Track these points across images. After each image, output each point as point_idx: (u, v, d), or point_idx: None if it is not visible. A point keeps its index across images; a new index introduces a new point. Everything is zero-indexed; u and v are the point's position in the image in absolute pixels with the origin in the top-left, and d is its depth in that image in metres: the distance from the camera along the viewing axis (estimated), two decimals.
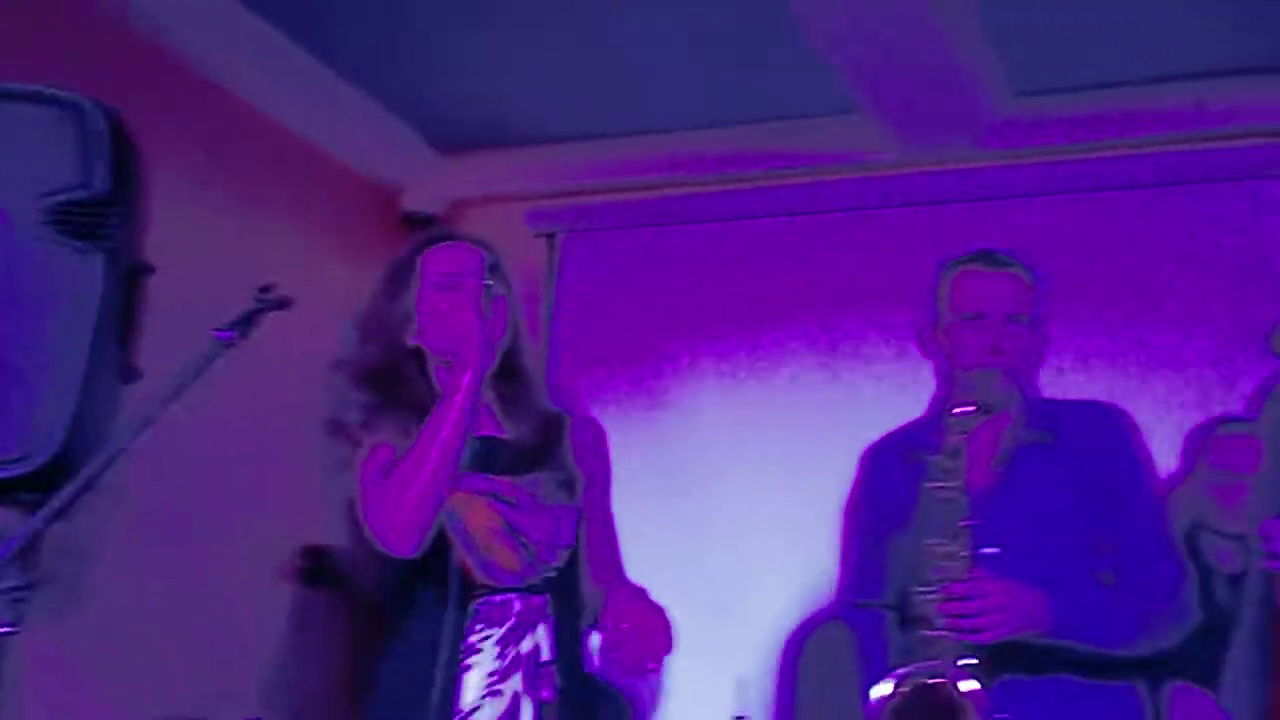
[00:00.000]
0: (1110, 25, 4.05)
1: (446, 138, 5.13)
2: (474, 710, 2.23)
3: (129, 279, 2.23)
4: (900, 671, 2.37)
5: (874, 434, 4.23)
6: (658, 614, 2.21)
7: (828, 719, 3.96)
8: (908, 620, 2.67)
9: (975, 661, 2.37)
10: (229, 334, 2.19)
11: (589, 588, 2.42)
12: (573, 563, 2.39)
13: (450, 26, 4.30)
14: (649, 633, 2.16)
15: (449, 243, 2.47)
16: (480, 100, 4.80)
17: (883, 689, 2.36)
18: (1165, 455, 3.59)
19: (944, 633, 2.39)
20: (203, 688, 3.93)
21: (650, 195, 5.04)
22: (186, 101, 4.26)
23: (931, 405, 2.83)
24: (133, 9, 4.03)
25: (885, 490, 2.78)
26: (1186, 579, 2.61)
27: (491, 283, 2.33)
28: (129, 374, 2.23)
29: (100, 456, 2.00)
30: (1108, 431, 2.69)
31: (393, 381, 2.38)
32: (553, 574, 2.35)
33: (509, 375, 2.45)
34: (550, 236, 4.99)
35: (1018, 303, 2.67)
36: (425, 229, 5.10)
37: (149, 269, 2.27)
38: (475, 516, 2.30)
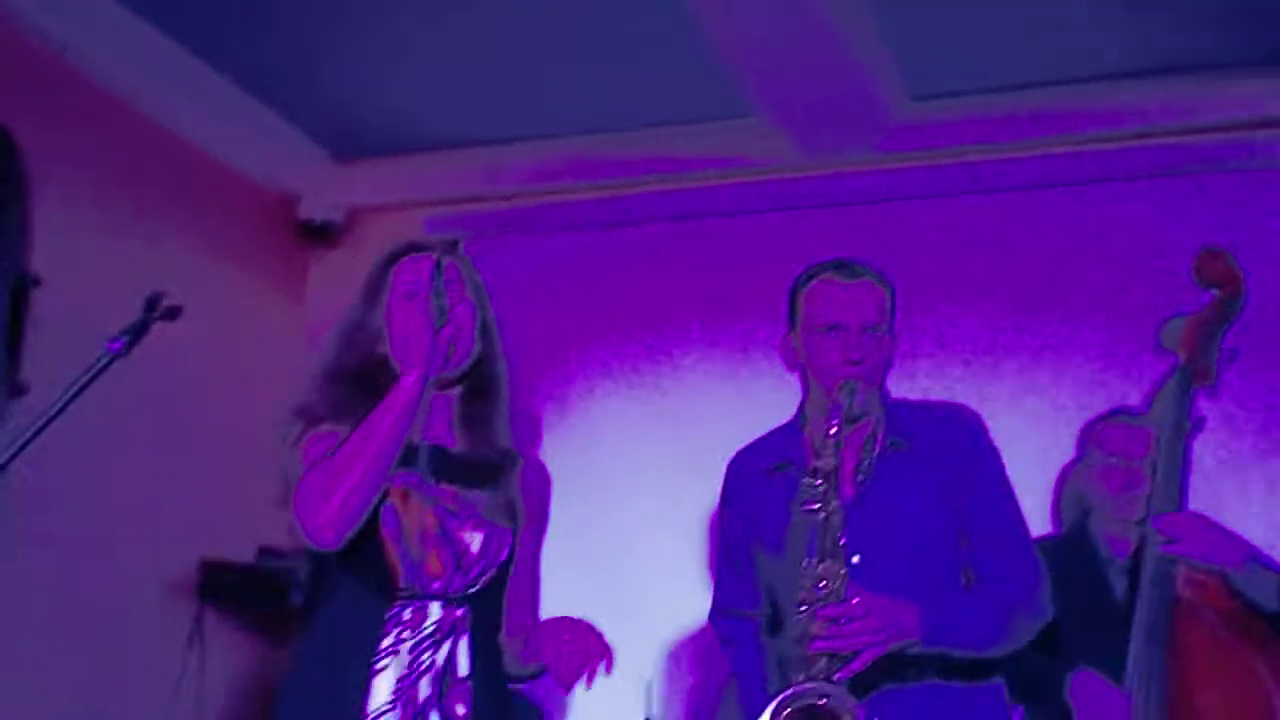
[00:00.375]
0: (1006, 29, 4.10)
1: (343, 145, 5.08)
2: (382, 714, 2.21)
3: (15, 293, 2.19)
4: (783, 694, 2.39)
5: None
6: (592, 629, 2.25)
7: None
8: (778, 628, 2.73)
9: (851, 677, 2.41)
10: (118, 344, 2.15)
11: (506, 626, 2.43)
12: (499, 582, 2.40)
13: (346, 33, 4.25)
14: (588, 645, 2.19)
15: (418, 254, 2.47)
16: (377, 107, 4.76)
17: (767, 713, 2.38)
18: (1065, 448, 3.68)
19: (821, 652, 2.41)
20: (96, 706, 3.85)
21: (550, 200, 5.03)
22: (78, 113, 4.20)
23: (795, 413, 2.86)
24: (24, 20, 3.95)
25: (749, 502, 2.82)
26: (1041, 576, 2.68)
27: (437, 289, 2.34)
28: (15, 388, 2.19)
29: None
30: (960, 434, 2.75)
31: (363, 385, 2.38)
32: (476, 589, 2.35)
33: (475, 387, 2.48)
34: (451, 243, 4.95)
35: (874, 313, 2.70)
36: (322, 237, 5.11)
37: (36, 282, 2.23)
38: (413, 518, 2.30)
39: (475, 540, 2.35)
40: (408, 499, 2.32)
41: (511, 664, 2.41)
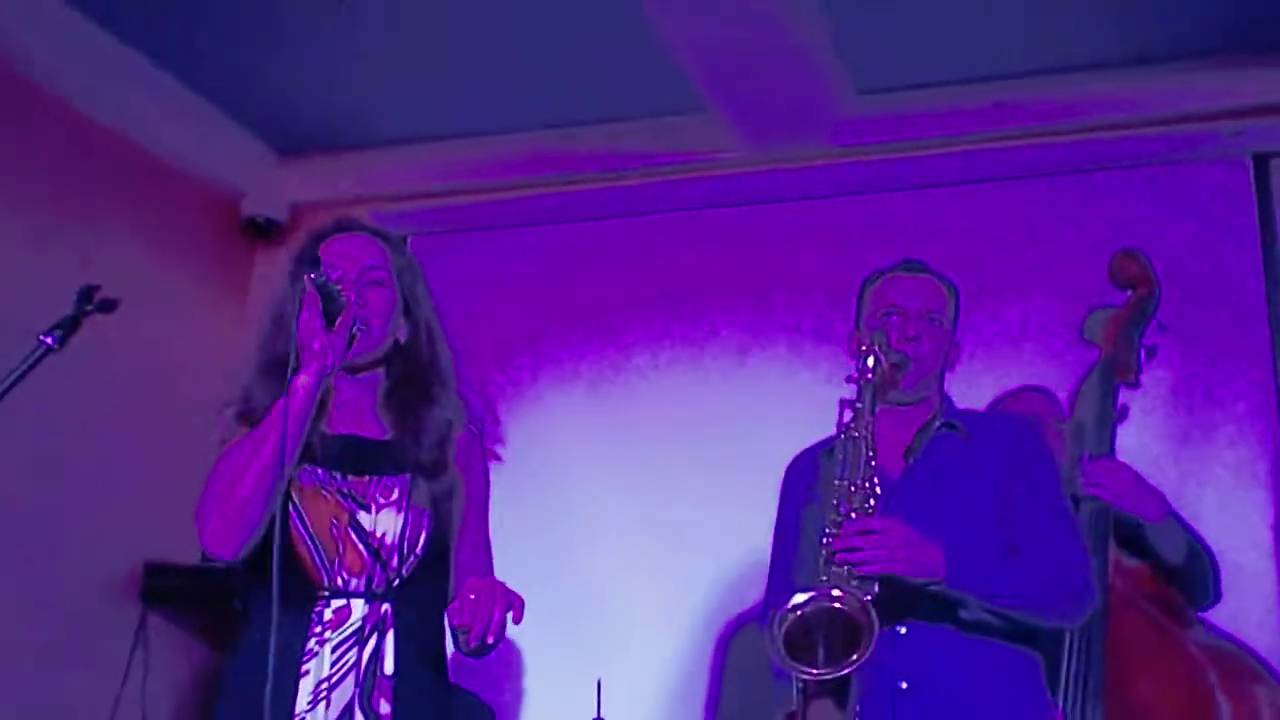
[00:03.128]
0: (953, 24, 4.12)
1: (287, 142, 5.03)
2: (302, 717, 2.17)
3: None
4: (802, 596, 2.37)
5: (728, 431, 4.29)
6: (499, 584, 2.17)
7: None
8: None
9: (872, 594, 2.38)
10: (51, 338, 2.11)
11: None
12: (426, 574, 2.33)
13: (290, 28, 4.20)
14: (493, 602, 2.11)
15: (347, 234, 2.42)
16: (322, 103, 4.72)
17: (789, 603, 2.36)
18: None
19: (843, 564, 2.41)
20: (39, 709, 3.79)
21: (498, 197, 4.99)
22: (15, 108, 4.13)
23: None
24: None
25: (804, 492, 2.80)
26: (1085, 563, 2.68)
27: (319, 282, 2.26)
28: None
29: None
30: (1018, 431, 2.78)
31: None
32: (399, 582, 2.29)
33: (404, 373, 2.41)
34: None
35: (933, 300, 2.77)
36: (266, 235, 5.05)
37: None
38: (321, 515, 2.24)
39: (391, 530, 2.28)
40: (316, 497, 2.27)
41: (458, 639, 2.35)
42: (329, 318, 2.24)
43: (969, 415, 2.82)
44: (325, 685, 2.19)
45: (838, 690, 2.40)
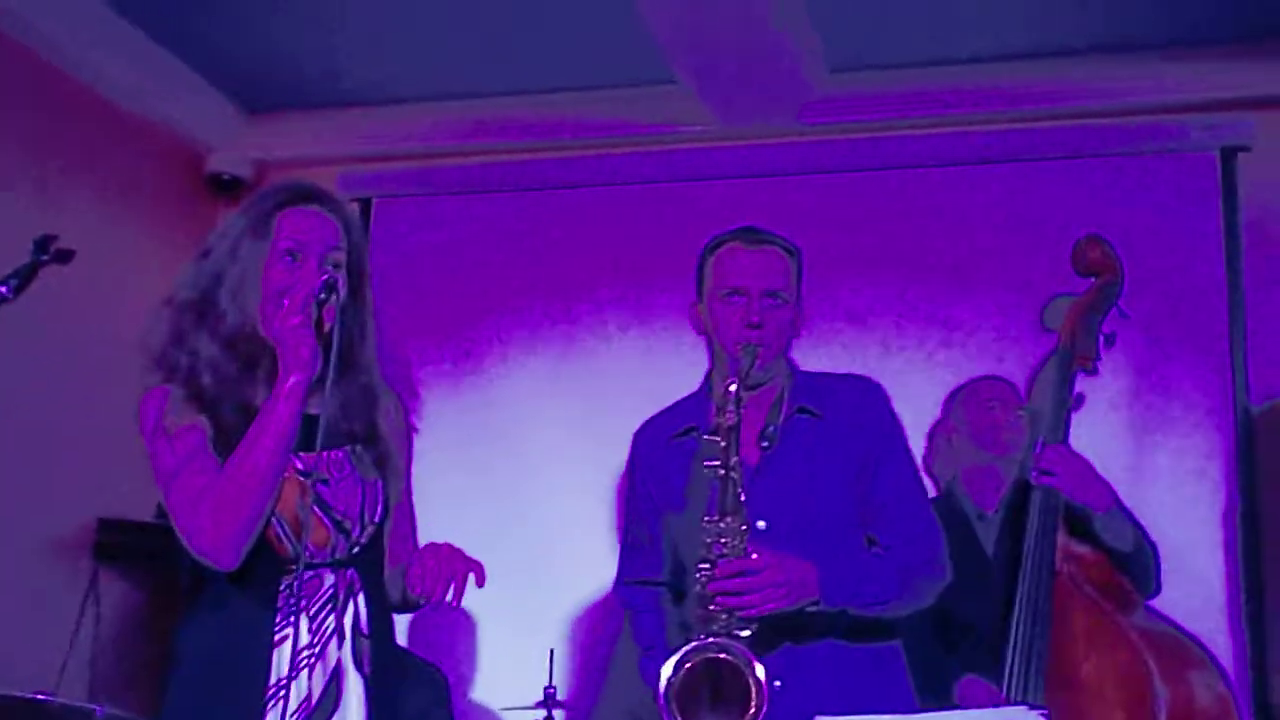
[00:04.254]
0: (927, 5, 4.13)
1: (254, 99, 5.00)
2: (288, 683, 2.17)
3: None
4: (685, 648, 2.39)
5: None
6: (457, 550, 2.18)
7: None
8: (683, 596, 2.74)
9: (750, 634, 2.42)
10: (5, 287, 2.09)
11: (389, 565, 2.38)
12: (377, 537, 2.36)
13: None
14: (453, 569, 2.13)
15: (305, 206, 2.35)
16: (289, 61, 4.68)
17: (669, 666, 2.38)
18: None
19: (721, 608, 2.43)
20: None
21: (466, 161, 4.98)
22: None
23: (702, 381, 2.87)
24: None
25: (656, 470, 2.83)
26: (940, 541, 2.74)
27: (320, 298, 2.23)
28: None
29: None
30: (868, 404, 2.79)
31: (247, 354, 2.27)
32: (359, 548, 2.31)
33: (334, 350, 2.33)
34: (364, 201, 4.89)
35: (776, 279, 2.72)
36: (230, 191, 5.01)
37: None
38: (287, 496, 2.23)
39: (352, 501, 2.30)
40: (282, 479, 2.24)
41: (397, 595, 2.36)
42: (317, 325, 2.23)
43: (817, 388, 2.79)
44: (307, 652, 2.20)
45: None
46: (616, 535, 2.89)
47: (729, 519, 2.48)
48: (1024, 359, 4.10)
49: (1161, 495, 4.08)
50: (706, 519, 2.50)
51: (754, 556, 2.46)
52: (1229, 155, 4.29)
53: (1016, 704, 2.94)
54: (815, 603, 2.51)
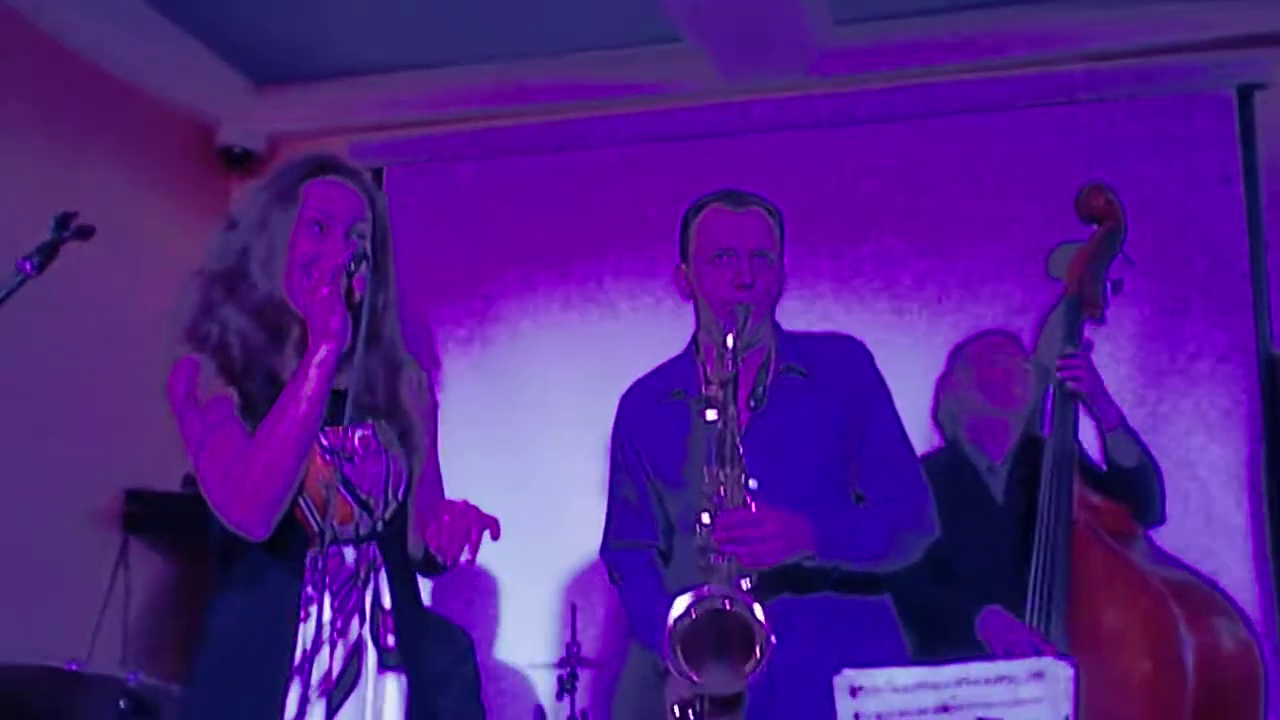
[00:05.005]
0: None
1: (263, 71, 5.01)
2: (312, 658, 2.19)
3: None
4: (689, 598, 2.39)
5: None
6: (471, 507, 2.18)
7: None
8: (668, 560, 2.77)
9: (751, 585, 2.43)
10: (29, 264, 2.11)
11: (413, 536, 2.39)
12: (401, 512, 2.36)
13: None
14: (469, 523, 2.13)
15: (331, 178, 2.36)
16: (297, 32, 4.69)
17: (676, 610, 2.37)
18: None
19: (723, 559, 2.43)
20: (19, 637, 3.82)
21: (475, 127, 4.99)
22: None
23: (688, 343, 2.87)
24: None
25: (643, 431, 2.83)
26: (927, 496, 2.75)
27: (350, 270, 2.24)
28: None
29: None
30: (853, 363, 2.80)
31: (275, 324, 2.28)
32: (383, 524, 2.32)
33: (359, 324, 2.32)
34: (376, 170, 4.91)
35: (763, 239, 2.72)
36: (243, 164, 5.04)
37: None
38: (311, 473, 2.23)
39: (377, 478, 2.30)
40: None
41: (420, 554, 2.36)
42: (347, 294, 2.24)
43: (803, 348, 2.79)
44: (329, 629, 2.22)
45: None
46: (607, 497, 2.88)
47: (728, 469, 2.49)
48: (1031, 308, 4.06)
49: (1183, 441, 4.08)
50: (705, 470, 2.50)
51: (753, 508, 2.48)
52: (1246, 93, 4.25)
53: (1037, 633, 2.96)
54: (811, 556, 2.53)
